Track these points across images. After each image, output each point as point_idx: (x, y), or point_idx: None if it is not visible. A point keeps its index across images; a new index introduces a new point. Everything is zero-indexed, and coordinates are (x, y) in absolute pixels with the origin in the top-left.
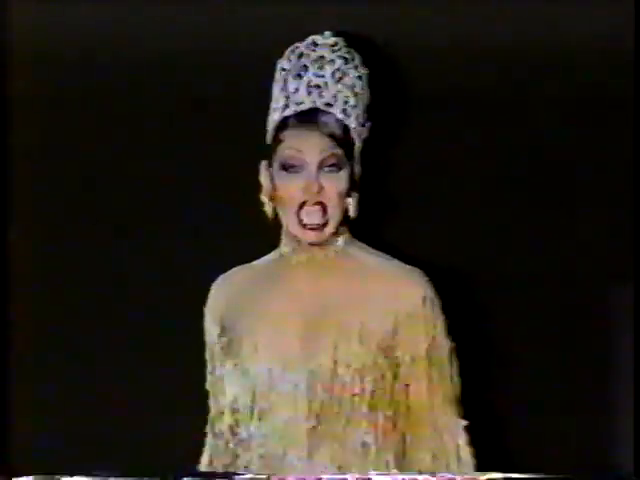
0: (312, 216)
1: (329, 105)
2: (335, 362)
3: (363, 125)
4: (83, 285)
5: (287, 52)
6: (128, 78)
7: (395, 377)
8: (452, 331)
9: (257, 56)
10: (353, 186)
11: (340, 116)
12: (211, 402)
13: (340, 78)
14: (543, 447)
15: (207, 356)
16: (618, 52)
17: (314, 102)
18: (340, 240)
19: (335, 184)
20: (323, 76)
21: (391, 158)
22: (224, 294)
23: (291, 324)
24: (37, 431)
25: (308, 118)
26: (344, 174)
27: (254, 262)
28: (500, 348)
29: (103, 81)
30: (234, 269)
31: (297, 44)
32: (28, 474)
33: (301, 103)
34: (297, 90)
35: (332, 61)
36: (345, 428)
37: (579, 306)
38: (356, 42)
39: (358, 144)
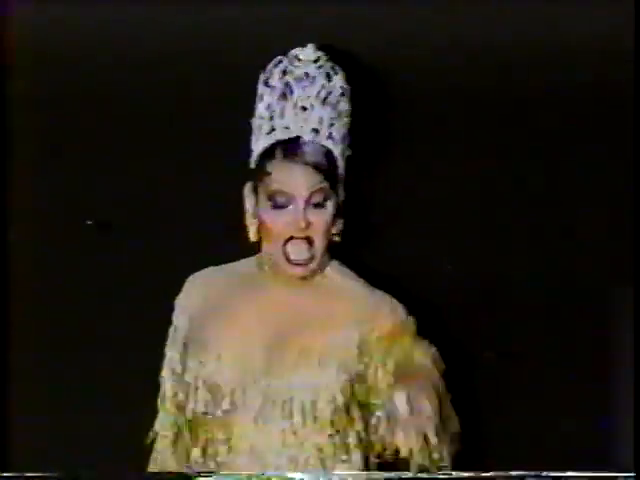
0: (298, 252)
1: (315, 131)
2: (294, 381)
3: (347, 145)
4: (83, 285)
5: (270, 66)
6: (128, 78)
7: (360, 398)
8: (447, 335)
9: (247, 63)
10: (337, 212)
11: (326, 143)
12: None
13: (325, 98)
14: (543, 447)
15: (168, 348)
16: (618, 52)
17: (301, 128)
18: (327, 269)
19: (322, 218)
20: (308, 97)
21: (373, 177)
22: (197, 293)
23: (257, 337)
24: (37, 431)
25: (294, 148)
26: (330, 205)
27: (232, 264)
28: (500, 349)
29: (103, 81)
30: (210, 269)
31: (280, 57)
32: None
33: (287, 128)
34: (283, 114)
35: (316, 78)
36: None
37: (579, 307)
38: (338, 53)
39: (341, 167)
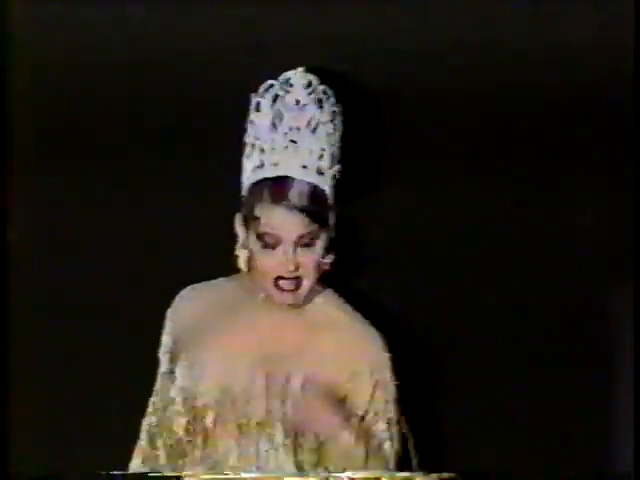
0: (288, 284)
1: (304, 168)
2: (275, 409)
3: (338, 166)
4: (83, 285)
5: (261, 90)
6: (128, 78)
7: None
8: (444, 328)
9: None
10: (328, 246)
11: (315, 180)
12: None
13: (315, 128)
14: (543, 446)
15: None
16: (618, 52)
17: (289, 165)
18: (317, 298)
19: (311, 257)
20: (299, 129)
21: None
22: (186, 309)
23: (242, 362)
24: (36, 431)
25: (282, 190)
26: (320, 244)
27: (223, 280)
28: (501, 350)
29: (103, 81)
30: (200, 285)
31: (271, 82)
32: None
33: (276, 165)
34: (273, 148)
35: (306, 106)
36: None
37: (579, 307)
38: (329, 74)
39: (331, 198)
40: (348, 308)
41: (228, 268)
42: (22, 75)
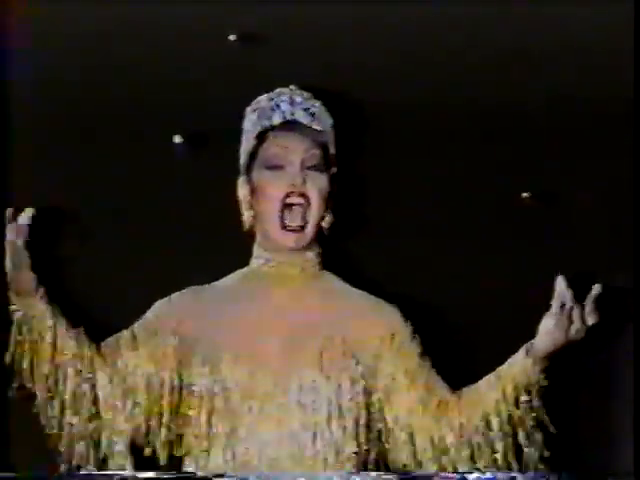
0: (293, 217)
1: (312, 115)
2: (320, 375)
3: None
4: (82, 285)
5: (248, 109)
6: (127, 79)
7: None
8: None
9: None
10: (329, 199)
11: (319, 128)
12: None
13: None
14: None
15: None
16: (618, 52)
17: (293, 115)
18: (311, 254)
19: (317, 182)
20: (293, 114)
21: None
22: (185, 308)
23: (274, 338)
24: (36, 431)
25: (289, 127)
26: (325, 177)
27: (214, 283)
28: (500, 351)
29: (102, 81)
30: (192, 288)
31: (260, 105)
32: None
33: (283, 113)
34: (272, 115)
35: (296, 115)
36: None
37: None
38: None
39: (333, 156)
40: (349, 286)
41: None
42: (22, 75)
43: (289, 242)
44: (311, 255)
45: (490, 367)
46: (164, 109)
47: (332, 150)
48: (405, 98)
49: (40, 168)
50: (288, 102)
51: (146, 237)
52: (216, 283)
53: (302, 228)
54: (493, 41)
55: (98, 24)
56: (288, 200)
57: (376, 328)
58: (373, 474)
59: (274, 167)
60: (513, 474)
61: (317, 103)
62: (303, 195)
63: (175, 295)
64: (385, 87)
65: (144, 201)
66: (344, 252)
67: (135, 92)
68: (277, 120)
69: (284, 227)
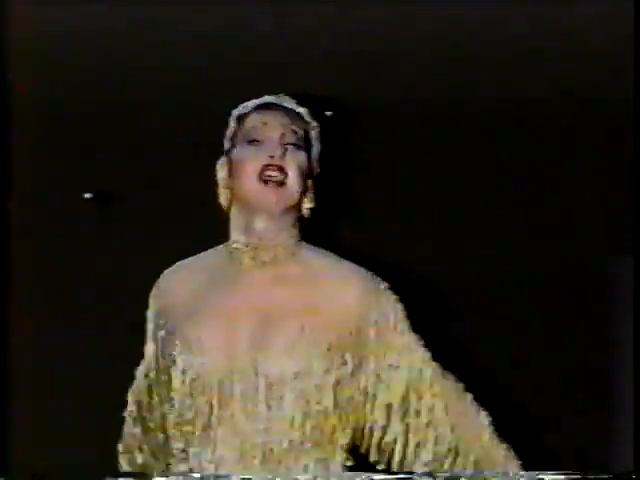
0: (272, 174)
1: (292, 103)
2: (288, 364)
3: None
4: (82, 285)
5: (233, 116)
6: (127, 79)
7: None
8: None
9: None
10: (309, 180)
11: (300, 110)
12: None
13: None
14: (543, 447)
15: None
16: (618, 52)
17: (275, 99)
18: (286, 237)
19: (296, 158)
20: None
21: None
22: (173, 288)
23: (243, 326)
24: (37, 431)
25: (269, 106)
26: (304, 155)
27: (201, 255)
28: (500, 351)
29: (102, 81)
30: (181, 263)
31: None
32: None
33: (264, 99)
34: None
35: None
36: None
37: (578, 306)
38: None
39: (315, 142)
40: (330, 254)
41: None
42: (22, 75)
43: (269, 198)
44: (287, 238)
45: (480, 353)
46: (164, 109)
47: (315, 153)
48: (393, 92)
49: (40, 168)
50: (273, 97)
51: (145, 231)
52: (201, 258)
53: (282, 184)
54: (493, 41)
55: (98, 24)
56: (266, 173)
57: (352, 309)
58: (376, 477)
59: (253, 141)
60: (512, 473)
61: (303, 108)
62: (281, 170)
63: (170, 271)
64: (383, 86)
65: (144, 201)
66: (327, 239)
67: (135, 92)
68: (257, 102)
69: (264, 182)
